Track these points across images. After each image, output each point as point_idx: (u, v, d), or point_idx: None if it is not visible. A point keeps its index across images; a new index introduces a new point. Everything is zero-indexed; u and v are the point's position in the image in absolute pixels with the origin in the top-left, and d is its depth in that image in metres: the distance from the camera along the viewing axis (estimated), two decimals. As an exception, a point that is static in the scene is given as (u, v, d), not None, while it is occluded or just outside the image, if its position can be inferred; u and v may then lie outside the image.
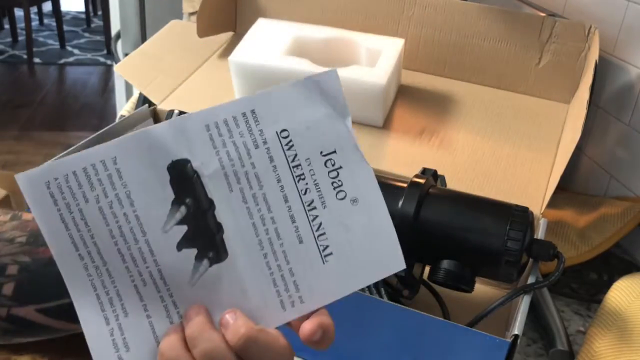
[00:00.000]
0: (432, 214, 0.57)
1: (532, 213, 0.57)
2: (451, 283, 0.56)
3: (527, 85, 0.83)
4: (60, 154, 0.68)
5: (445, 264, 0.56)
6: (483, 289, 0.68)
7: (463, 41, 0.84)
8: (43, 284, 0.36)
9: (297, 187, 0.36)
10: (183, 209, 0.33)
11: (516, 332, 0.48)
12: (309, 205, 0.36)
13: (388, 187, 0.59)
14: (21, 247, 0.37)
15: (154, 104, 0.84)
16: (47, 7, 4.34)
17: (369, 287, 0.60)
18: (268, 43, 0.82)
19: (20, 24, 4.00)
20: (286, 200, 0.36)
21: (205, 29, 0.91)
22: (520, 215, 0.55)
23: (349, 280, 0.37)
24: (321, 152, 0.36)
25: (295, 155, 0.36)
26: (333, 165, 0.36)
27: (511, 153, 0.74)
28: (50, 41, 4.09)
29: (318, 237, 0.36)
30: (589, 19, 0.84)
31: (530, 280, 0.56)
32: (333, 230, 0.36)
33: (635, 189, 0.81)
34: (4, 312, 0.36)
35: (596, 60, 0.73)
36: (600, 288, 0.71)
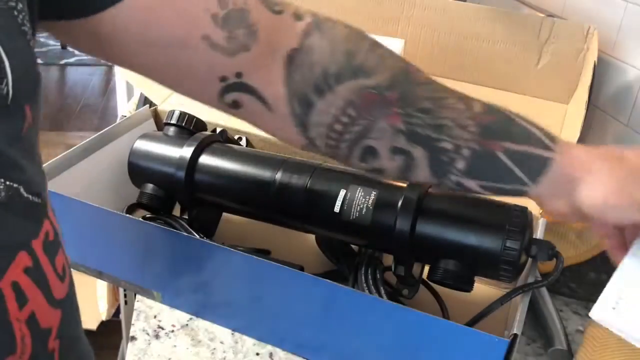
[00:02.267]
0: (432, 213, 0.57)
1: (531, 213, 0.57)
2: (450, 282, 0.56)
3: (526, 85, 0.83)
4: (62, 154, 0.68)
5: (445, 263, 0.56)
6: (482, 288, 0.68)
7: (462, 42, 0.85)
8: (490, 167, 0.44)
9: None
10: None
11: (515, 332, 0.48)
12: None
13: (387, 186, 0.60)
14: (473, 136, 0.44)
15: (154, 105, 0.84)
16: (48, 7, 4.33)
17: (368, 286, 0.61)
18: (268, 44, 0.83)
19: (21, 25, 4.00)
20: None
21: (206, 30, 0.91)
22: (519, 215, 0.55)
23: None
24: None
25: None
26: None
27: (510, 153, 0.75)
28: (51, 42, 4.09)
29: None
30: (588, 20, 0.84)
31: (530, 279, 0.56)
32: None
33: (634, 189, 0.81)
34: (455, 178, 0.45)
35: (595, 61, 0.74)
36: (599, 287, 0.71)
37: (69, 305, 0.38)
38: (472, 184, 0.45)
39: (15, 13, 0.34)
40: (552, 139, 0.45)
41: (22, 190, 0.34)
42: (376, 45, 0.47)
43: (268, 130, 0.49)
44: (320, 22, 0.46)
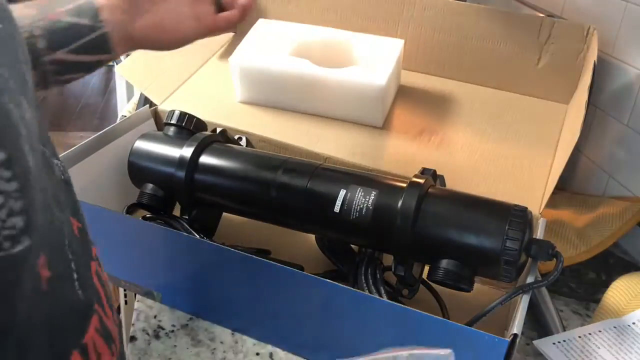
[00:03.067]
0: (432, 213, 0.57)
1: (531, 213, 0.57)
2: (450, 282, 0.56)
3: (525, 85, 0.83)
4: (62, 154, 0.68)
5: (445, 263, 0.56)
6: (482, 288, 0.69)
7: (462, 42, 0.85)
8: (62, 31, 0.49)
9: None
10: None
11: (515, 332, 0.48)
12: None
13: (387, 187, 0.60)
14: (36, 17, 0.48)
15: (154, 105, 0.84)
16: (48, 7, 4.33)
17: (368, 286, 0.61)
18: (268, 44, 0.83)
19: (21, 25, 3.99)
20: None
21: (206, 30, 0.91)
22: (519, 215, 0.55)
23: None
24: None
25: None
26: None
27: (510, 153, 0.75)
28: (50, 42, 4.08)
29: None
30: (588, 20, 0.84)
31: (529, 279, 0.56)
32: None
33: (633, 189, 0.81)
34: (47, 59, 0.48)
35: (595, 61, 0.74)
36: (599, 287, 0.71)
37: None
38: (62, 55, 0.49)
39: None
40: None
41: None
42: None
43: None
44: None
